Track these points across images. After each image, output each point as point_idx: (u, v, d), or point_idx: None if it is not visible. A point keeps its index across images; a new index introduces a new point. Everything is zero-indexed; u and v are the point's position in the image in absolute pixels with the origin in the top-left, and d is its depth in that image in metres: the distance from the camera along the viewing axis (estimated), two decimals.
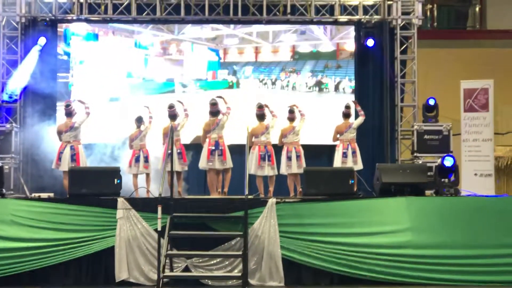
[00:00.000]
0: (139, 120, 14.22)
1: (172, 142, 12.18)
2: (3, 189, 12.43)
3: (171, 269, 11.23)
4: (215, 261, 11.36)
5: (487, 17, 19.95)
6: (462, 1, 20.89)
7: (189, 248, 11.29)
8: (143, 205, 11.45)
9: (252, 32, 17.42)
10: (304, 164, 14.00)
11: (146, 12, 16.71)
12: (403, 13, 16.75)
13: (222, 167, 13.68)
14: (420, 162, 15.51)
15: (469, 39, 19.68)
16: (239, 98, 16.71)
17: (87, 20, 17.00)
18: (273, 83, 17.29)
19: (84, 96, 15.43)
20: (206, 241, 11.33)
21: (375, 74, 17.25)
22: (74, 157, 13.75)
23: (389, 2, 16.84)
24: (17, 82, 15.91)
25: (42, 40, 16.17)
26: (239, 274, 11.03)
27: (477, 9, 20.39)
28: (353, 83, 17.12)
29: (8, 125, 15.67)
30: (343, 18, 17.00)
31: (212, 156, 13.59)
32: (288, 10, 16.75)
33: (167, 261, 10.96)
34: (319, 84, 17.22)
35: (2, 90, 15.93)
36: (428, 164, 13.83)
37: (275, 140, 14.25)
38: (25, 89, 16.21)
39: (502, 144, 17.99)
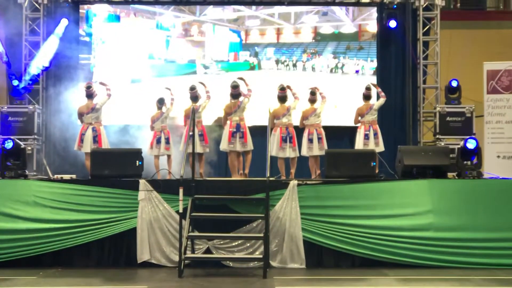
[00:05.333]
0: (161, 102, 14.20)
1: (194, 124, 12.16)
2: (26, 171, 12.49)
3: (193, 251, 11.27)
4: (236, 243, 11.37)
5: None
6: None
7: (210, 230, 11.30)
8: (165, 187, 11.46)
9: (273, 13, 17.37)
10: (325, 146, 13.96)
11: None
12: None
13: (243, 149, 13.69)
14: (443, 144, 15.47)
15: (493, 20, 19.49)
16: (260, 80, 16.67)
17: (109, 2, 17.06)
18: (294, 65, 17.25)
19: (105, 78, 15.45)
20: (228, 223, 11.34)
21: (397, 56, 17.17)
22: (96, 138, 13.76)
23: None
24: (38, 64, 15.93)
25: (64, 22, 16.18)
26: (260, 256, 11.05)
27: None
28: (375, 65, 17.04)
29: (30, 107, 15.75)
30: None
31: (233, 138, 13.58)
32: None
33: (188, 242, 10.99)
34: (340, 65, 17.18)
35: (25, 71, 15.96)
36: (451, 146, 13.72)
37: (296, 122, 14.21)
38: (47, 70, 16.25)
39: None
